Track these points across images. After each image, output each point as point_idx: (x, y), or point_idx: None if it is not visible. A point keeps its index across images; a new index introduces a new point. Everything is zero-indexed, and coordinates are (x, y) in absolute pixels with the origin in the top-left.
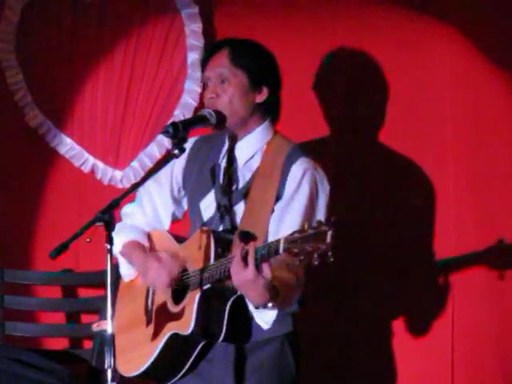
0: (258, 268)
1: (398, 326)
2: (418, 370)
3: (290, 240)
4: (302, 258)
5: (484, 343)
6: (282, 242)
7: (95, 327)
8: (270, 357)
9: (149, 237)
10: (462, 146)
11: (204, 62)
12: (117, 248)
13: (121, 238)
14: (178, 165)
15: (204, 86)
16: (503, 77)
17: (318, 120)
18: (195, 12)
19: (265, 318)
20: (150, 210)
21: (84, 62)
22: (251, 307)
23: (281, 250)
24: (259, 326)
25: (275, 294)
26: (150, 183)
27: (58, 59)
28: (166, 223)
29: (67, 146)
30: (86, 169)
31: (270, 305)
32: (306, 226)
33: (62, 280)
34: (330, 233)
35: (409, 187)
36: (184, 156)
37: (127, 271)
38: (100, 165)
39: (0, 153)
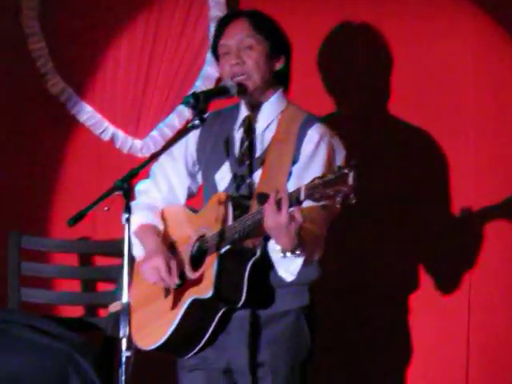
0: None
1: (415, 305)
2: (432, 348)
3: (311, 186)
4: (324, 202)
5: (500, 309)
6: (303, 188)
7: (112, 308)
8: (286, 330)
9: (163, 214)
10: (484, 125)
11: (220, 31)
12: (132, 228)
13: (136, 218)
14: (192, 139)
15: (217, 57)
16: None
17: (333, 95)
18: None
19: (290, 267)
20: (165, 186)
21: (106, 30)
22: (277, 256)
23: (302, 197)
24: (279, 296)
25: (302, 241)
26: (164, 159)
27: (81, 27)
28: (182, 198)
29: (87, 113)
30: (106, 137)
31: (297, 252)
32: (326, 172)
33: (79, 248)
34: (351, 174)
35: (428, 161)
36: (197, 130)
37: (140, 253)
38: (120, 133)
39: (20, 119)
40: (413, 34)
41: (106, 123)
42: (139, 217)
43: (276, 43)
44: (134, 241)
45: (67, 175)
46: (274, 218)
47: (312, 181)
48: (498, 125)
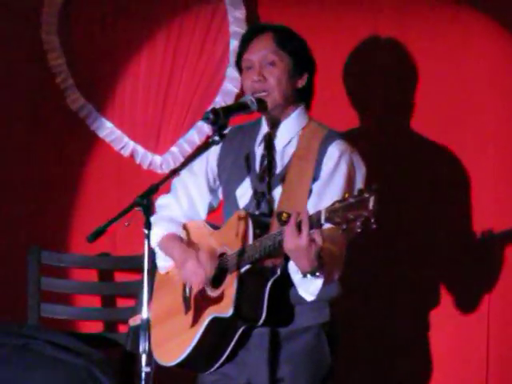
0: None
1: (435, 318)
2: (452, 361)
3: (332, 209)
4: (344, 226)
5: None
6: (323, 212)
7: (132, 321)
8: (306, 346)
9: (185, 228)
10: (503, 135)
11: (244, 46)
12: (154, 240)
13: (158, 230)
14: (213, 155)
15: (240, 70)
16: None
17: (356, 108)
18: None
19: (310, 288)
20: (186, 201)
21: (126, 46)
22: (297, 277)
23: (322, 220)
24: (299, 313)
25: (322, 262)
26: (185, 174)
27: (101, 43)
28: (203, 214)
29: (107, 129)
30: (126, 153)
31: (317, 273)
32: (346, 195)
33: (99, 263)
34: (372, 199)
35: (447, 177)
36: (218, 146)
37: (164, 263)
38: (140, 149)
39: (40, 135)
40: (434, 49)
41: (126, 139)
42: (162, 228)
43: (300, 60)
44: (158, 252)
45: (87, 191)
46: (293, 241)
47: (332, 204)
48: None
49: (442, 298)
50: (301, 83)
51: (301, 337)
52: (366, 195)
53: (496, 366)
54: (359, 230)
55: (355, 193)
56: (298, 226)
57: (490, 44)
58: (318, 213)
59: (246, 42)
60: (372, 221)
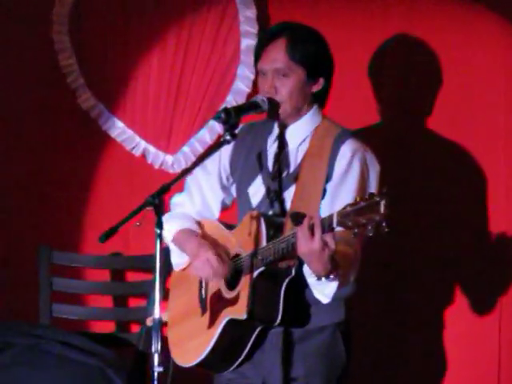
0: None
1: (447, 318)
2: (465, 363)
3: (343, 213)
4: (356, 230)
5: None
6: (335, 216)
7: (148, 322)
8: (321, 345)
9: (200, 225)
10: None
11: (259, 51)
12: (168, 236)
13: (172, 225)
14: (225, 152)
15: (257, 72)
16: None
17: (369, 107)
18: None
19: (325, 290)
20: (199, 199)
21: (137, 45)
22: (312, 280)
23: (334, 224)
24: (314, 313)
25: (336, 265)
26: (198, 172)
27: (112, 42)
28: (216, 212)
29: (119, 129)
30: (137, 153)
31: (331, 276)
32: (358, 199)
33: (111, 263)
34: (383, 203)
35: (459, 175)
36: (231, 144)
37: (179, 259)
38: (151, 149)
39: (52, 135)
40: (445, 47)
41: (138, 138)
42: (175, 224)
43: (314, 67)
44: (173, 248)
45: (99, 190)
46: (306, 244)
47: (344, 208)
48: None
49: (453, 299)
50: (316, 88)
51: (316, 336)
52: (377, 199)
53: (508, 369)
54: (371, 234)
55: (368, 193)
56: (311, 230)
57: (502, 42)
58: (330, 216)
59: (260, 48)
60: (384, 225)
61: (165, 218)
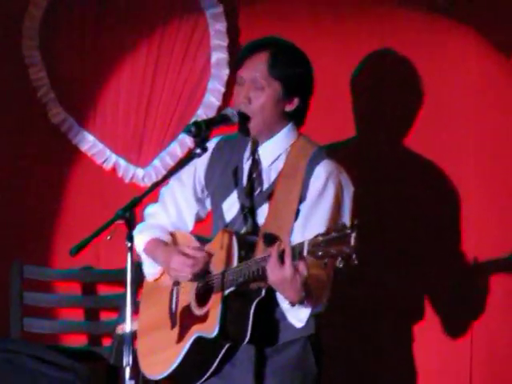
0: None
1: (419, 337)
2: (436, 369)
3: (314, 243)
4: (326, 260)
5: (503, 350)
6: (305, 244)
7: (119, 330)
8: (292, 359)
9: (173, 236)
10: (484, 150)
11: (241, 59)
12: (140, 246)
13: (144, 236)
14: (201, 164)
15: (233, 82)
16: None
17: (342, 122)
18: (220, 11)
19: (299, 315)
20: (174, 210)
21: (107, 59)
22: (285, 305)
23: (305, 253)
24: (283, 328)
25: (309, 291)
26: (173, 183)
27: (82, 56)
28: (190, 223)
29: (89, 143)
30: (108, 166)
31: (305, 302)
32: (329, 229)
33: (82, 277)
34: (353, 235)
35: (431, 190)
36: (207, 156)
37: (151, 269)
38: (122, 162)
39: (22, 149)
40: (420, 64)
41: (108, 152)
42: (146, 234)
43: (291, 86)
44: (144, 258)
45: (70, 204)
46: (277, 272)
47: (315, 237)
48: (503, 161)
49: (426, 316)
50: (289, 107)
51: (287, 350)
52: (348, 231)
53: None
54: (341, 266)
55: (340, 224)
56: (281, 257)
57: (476, 56)
58: (301, 245)
59: (242, 57)
60: (353, 257)
61: (137, 229)
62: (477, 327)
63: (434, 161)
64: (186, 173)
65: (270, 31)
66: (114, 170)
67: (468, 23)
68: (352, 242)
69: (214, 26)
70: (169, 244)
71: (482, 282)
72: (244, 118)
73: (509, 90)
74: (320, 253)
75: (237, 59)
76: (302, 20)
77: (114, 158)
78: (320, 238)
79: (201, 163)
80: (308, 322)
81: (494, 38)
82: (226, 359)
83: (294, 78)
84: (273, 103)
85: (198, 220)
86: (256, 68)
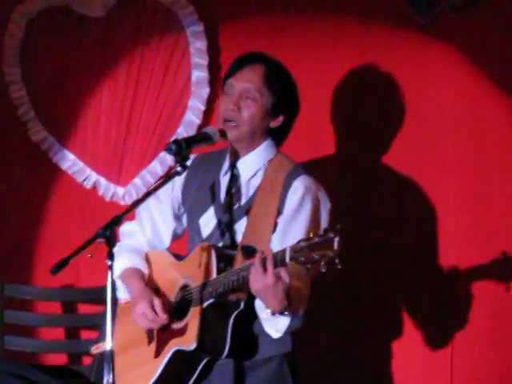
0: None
1: (399, 352)
2: (417, 379)
3: (296, 248)
4: (309, 266)
5: (483, 364)
6: (288, 250)
7: (94, 350)
8: (268, 376)
9: (148, 259)
10: (464, 163)
11: (235, 69)
12: (116, 272)
13: (120, 262)
14: (178, 181)
15: (214, 101)
16: (504, 97)
17: (321, 137)
18: (200, 30)
19: (277, 325)
20: (150, 228)
21: (88, 78)
22: (264, 315)
23: (287, 259)
24: (261, 343)
25: (290, 301)
26: (149, 200)
27: (62, 75)
28: (167, 241)
29: (70, 161)
30: (89, 185)
31: (286, 312)
32: (311, 235)
33: (62, 296)
34: (336, 239)
35: (410, 203)
36: (183, 173)
37: (125, 295)
38: (102, 181)
39: (2, 167)
40: (396, 81)
41: (89, 170)
42: (123, 260)
43: (280, 103)
44: (119, 284)
45: (50, 223)
46: (260, 280)
47: (297, 243)
48: (481, 174)
49: (405, 331)
50: (274, 124)
51: (263, 367)
52: (331, 235)
53: None
54: (324, 270)
55: (320, 230)
56: (263, 265)
57: (454, 73)
58: (283, 251)
59: (235, 67)
60: (336, 261)
61: (115, 250)
62: (457, 337)
63: (414, 176)
64: (163, 190)
65: (250, 50)
66: (94, 188)
67: (446, 39)
68: (335, 245)
69: (194, 45)
70: (144, 275)
71: (462, 291)
72: (224, 137)
73: (485, 104)
74: (302, 258)
75: (230, 65)
76: (282, 38)
77: (94, 176)
78: (302, 244)
79: (178, 180)
80: (285, 339)
81: (471, 53)
82: (204, 374)
83: (285, 96)
84: (261, 116)
85: (175, 237)
86: (250, 79)
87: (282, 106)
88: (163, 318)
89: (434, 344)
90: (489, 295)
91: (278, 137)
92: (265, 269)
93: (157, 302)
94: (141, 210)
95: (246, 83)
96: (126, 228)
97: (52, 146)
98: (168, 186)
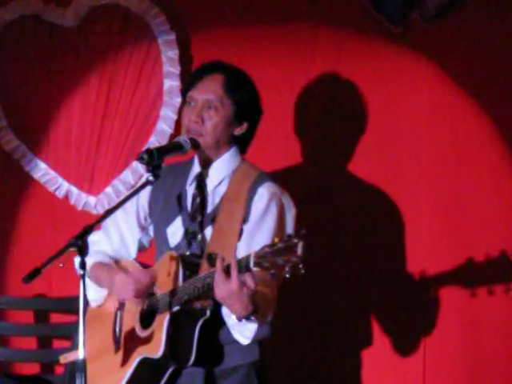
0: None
1: (370, 357)
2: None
3: (260, 254)
4: (273, 271)
5: (455, 369)
6: (252, 256)
7: (63, 359)
8: None
9: (116, 262)
10: (437, 168)
11: (194, 80)
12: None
13: (88, 261)
14: (144, 193)
15: (181, 103)
16: (477, 104)
17: (293, 148)
18: (172, 39)
19: (245, 332)
20: (117, 238)
21: (60, 87)
22: (231, 321)
23: (251, 265)
24: (230, 352)
25: (257, 306)
26: (116, 211)
27: (34, 84)
28: (133, 251)
29: (42, 170)
30: (60, 194)
31: (252, 318)
32: (276, 240)
33: (35, 305)
34: (300, 244)
35: (383, 208)
36: (153, 184)
37: (95, 295)
38: (74, 190)
39: None
40: (369, 90)
41: (61, 180)
42: (90, 258)
43: (242, 110)
44: (89, 284)
45: (22, 232)
46: (223, 287)
47: (262, 249)
48: (454, 182)
49: (377, 340)
50: (238, 131)
51: (230, 376)
52: (295, 240)
53: None
54: (288, 276)
55: (286, 235)
56: (227, 271)
57: (427, 82)
58: (247, 257)
59: (195, 79)
60: (300, 266)
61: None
62: (429, 342)
63: (387, 181)
64: (130, 201)
65: (222, 58)
66: (66, 197)
67: (419, 48)
68: (299, 251)
69: (166, 54)
70: (111, 266)
71: (433, 295)
72: (196, 145)
73: (458, 111)
74: (267, 264)
75: (187, 81)
76: (254, 47)
77: (66, 185)
78: (267, 249)
79: (144, 191)
80: (253, 348)
81: (443, 61)
82: (173, 382)
83: (247, 103)
84: (225, 124)
85: (141, 248)
86: (210, 89)
87: (245, 113)
88: (144, 274)
89: (406, 348)
90: (460, 299)
91: (242, 144)
92: (228, 275)
93: (130, 267)
94: (107, 220)
95: (207, 94)
96: (93, 237)
97: (24, 155)
98: (134, 198)
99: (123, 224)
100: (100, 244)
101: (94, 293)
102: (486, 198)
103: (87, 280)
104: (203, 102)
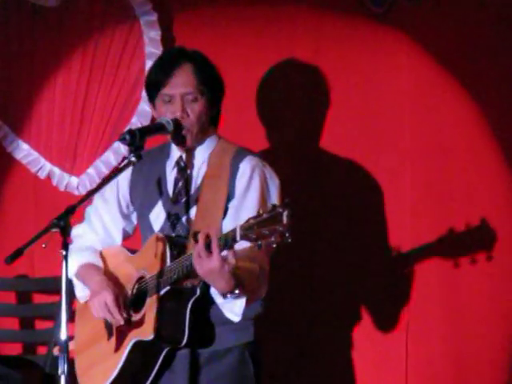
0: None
1: (354, 334)
2: (372, 372)
3: (246, 226)
4: (260, 242)
5: (438, 344)
6: (238, 229)
7: (56, 351)
8: (230, 366)
9: (102, 256)
10: (420, 152)
11: (163, 78)
12: (71, 271)
13: (75, 260)
14: (123, 181)
15: (155, 101)
16: (460, 86)
17: (274, 129)
18: (154, 19)
19: (234, 308)
20: (101, 228)
21: (42, 67)
22: (219, 299)
23: (238, 238)
24: (223, 333)
25: (240, 280)
26: (97, 202)
27: (16, 65)
28: (118, 240)
29: (24, 151)
30: (43, 175)
31: (236, 291)
32: (260, 211)
33: (17, 285)
34: (285, 213)
35: (366, 193)
36: (128, 171)
37: (82, 293)
38: (56, 171)
39: None
40: (349, 70)
41: (43, 161)
42: (78, 258)
43: (215, 92)
44: (76, 282)
45: (4, 213)
46: (205, 264)
47: (247, 221)
48: (435, 161)
49: (360, 317)
50: (214, 111)
51: (224, 358)
52: (280, 210)
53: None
54: (275, 245)
55: (271, 205)
56: (208, 248)
57: (408, 63)
58: (234, 230)
59: (165, 75)
60: (287, 235)
61: (69, 252)
62: (412, 315)
63: (370, 166)
64: (109, 190)
65: (203, 39)
66: (48, 178)
67: (401, 28)
68: (285, 220)
69: (148, 34)
70: (100, 268)
71: (416, 278)
72: (179, 127)
73: (441, 93)
74: (253, 235)
75: (156, 81)
76: (237, 28)
77: (48, 166)
78: (252, 221)
79: (123, 180)
80: (246, 329)
81: (426, 42)
82: (165, 366)
83: (217, 84)
84: (206, 111)
85: (126, 236)
86: (185, 82)
87: (217, 93)
88: (122, 317)
89: (389, 323)
90: (441, 271)
91: (215, 121)
92: (210, 252)
93: (121, 299)
94: (89, 211)
95: (185, 87)
96: (77, 231)
97: (6, 135)
98: (113, 186)
99: (105, 214)
100: (85, 236)
101: (81, 291)
102: (466, 171)
103: (74, 279)
104: (182, 95)
